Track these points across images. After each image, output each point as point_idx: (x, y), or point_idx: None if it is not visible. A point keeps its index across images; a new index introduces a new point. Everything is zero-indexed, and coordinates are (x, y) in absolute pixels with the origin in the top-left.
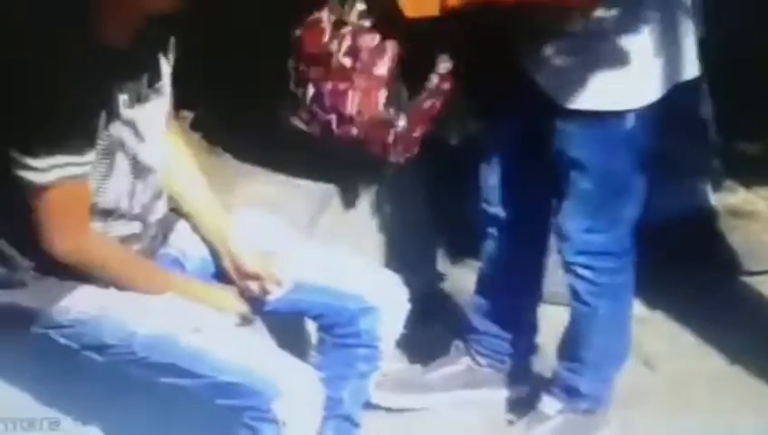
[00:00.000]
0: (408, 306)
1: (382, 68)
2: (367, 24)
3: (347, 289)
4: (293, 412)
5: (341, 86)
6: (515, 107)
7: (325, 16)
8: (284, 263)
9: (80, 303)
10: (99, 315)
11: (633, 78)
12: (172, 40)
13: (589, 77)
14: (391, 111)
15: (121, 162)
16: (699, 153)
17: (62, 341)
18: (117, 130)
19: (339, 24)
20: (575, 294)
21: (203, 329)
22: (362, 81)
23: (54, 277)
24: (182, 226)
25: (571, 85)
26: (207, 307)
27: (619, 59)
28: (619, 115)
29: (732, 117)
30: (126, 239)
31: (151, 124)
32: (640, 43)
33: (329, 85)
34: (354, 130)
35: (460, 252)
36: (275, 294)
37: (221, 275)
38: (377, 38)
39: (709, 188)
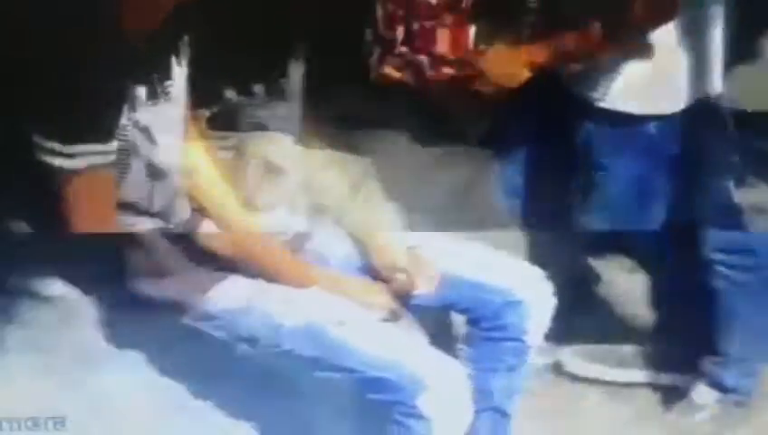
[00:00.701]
0: (553, 301)
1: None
2: None
3: (493, 283)
4: (439, 408)
5: (428, 24)
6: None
7: None
8: (432, 257)
9: (228, 294)
10: (245, 307)
11: (663, 84)
12: (185, 39)
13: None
14: (482, 47)
15: (136, 166)
16: (720, 149)
17: (215, 332)
18: (131, 132)
19: None
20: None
21: (348, 322)
22: (450, 17)
23: (202, 268)
24: (327, 223)
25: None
26: (354, 302)
27: (653, 64)
28: (647, 119)
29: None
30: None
31: (163, 129)
32: (674, 54)
33: (416, 24)
34: (446, 70)
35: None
36: (424, 290)
37: (367, 270)
38: None
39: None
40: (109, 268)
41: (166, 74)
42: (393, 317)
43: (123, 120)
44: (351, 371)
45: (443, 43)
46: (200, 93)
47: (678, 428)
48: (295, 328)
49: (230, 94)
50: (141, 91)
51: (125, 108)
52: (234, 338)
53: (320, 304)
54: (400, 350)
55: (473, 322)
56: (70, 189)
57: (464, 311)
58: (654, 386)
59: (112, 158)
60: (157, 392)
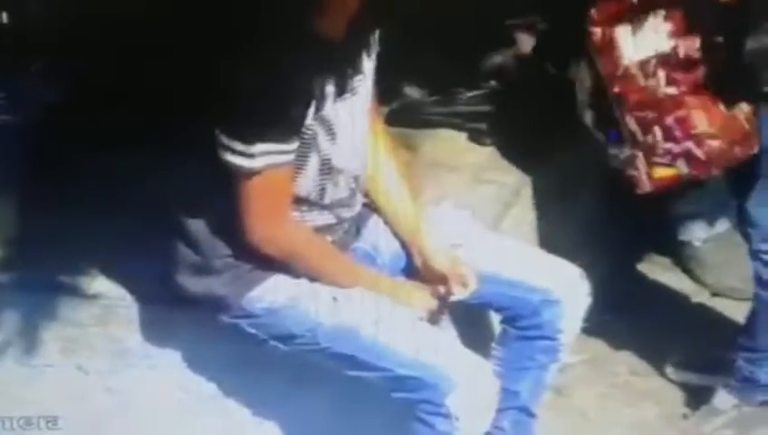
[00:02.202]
0: (588, 300)
1: (700, 77)
2: (664, 47)
3: (532, 282)
4: (467, 407)
5: (681, 113)
6: None
7: (625, 62)
8: (471, 260)
9: (271, 292)
10: (288, 305)
11: None
12: (377, 34)
13: None
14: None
15: (313, 161)
16: None
17: (251, 330)
18: (313, 128)
19: (644, 62)
20: (761, 282)
21: (383, 321)
22: (693, 98)
23: (248, 266)
24: (375, 220)
25: None
26: (395, 301)
27: None
28: None
29: None
30: (319, 230)
31: (346, 125)
32: None
33: (670, 119)
34: (714, 143)
35: (645, 249)
36: (460, 296)
37: (411, 271)
38: (681, 57)
39: None
40: (151, 265)
41: (358, 69)
42: (432, 319)
43: (309, 120)
44: (383, 369)
45: (702, 122)
46: (383, 89)
47: (700, 431)
48: (333, 327)
49: (411, 91)
50: (331, 89)
51: (312, 106)
52: (270, 336)
53: (359, 302)
54: (432, 349)
55: (509, 320)
56: (248, 187)
57: (501, 309)
58: (682, 386)
59: (292, 156)
60: (187, 391)
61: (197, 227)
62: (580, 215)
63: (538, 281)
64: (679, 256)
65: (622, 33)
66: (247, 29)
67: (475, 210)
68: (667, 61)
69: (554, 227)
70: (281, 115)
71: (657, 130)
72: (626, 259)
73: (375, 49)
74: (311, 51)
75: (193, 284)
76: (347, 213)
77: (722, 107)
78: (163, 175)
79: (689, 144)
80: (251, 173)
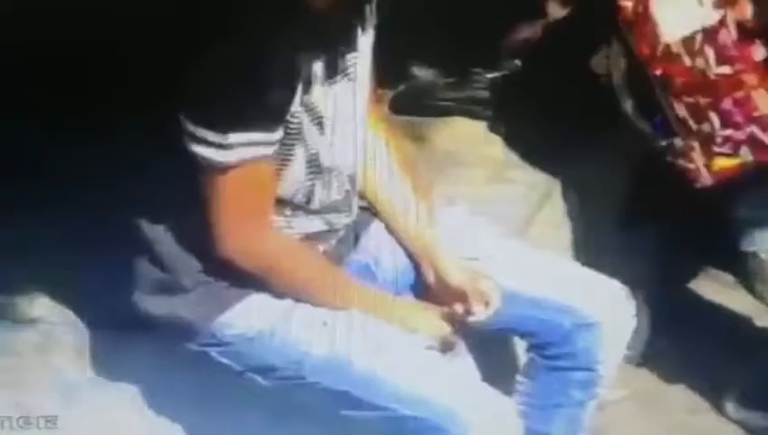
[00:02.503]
0: (633, 323)
1: (759, 52)
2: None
3: (563, 301)
4: None
5: (739, 95)
6: None
7: (665, 39)
8: (493, 275)
9: (247, 316)
10: (267, 332)
11: None
12: (373, 4)
13: None
14: None
15: (299, 156)
16: None
17: (224, 361)
18: (299, 116)
19: (687, 39)
20: None
21: (383, 350)
22: (752, 76)
23: (221, 282)
24: (376, 227)
25: None
26: (398, 326)
27: None
28: None
29: None
30: (308, 239)
31: (337, 114)
32: None
33: (728, 103)
34: None
35: (700, 261)
36: (480, 317)
37: (420, 288)
38: (732, 30)
39: None
40: (102, 282)
41: (350, 45)
42: (445, 347)
43: (295, 105)
44: (383, 409)
45: (765, 102)
46: (385, 69)
47: None
48: (323, 358)
49: (419, 72)
50: (318, 68)
51: (298, 89)
52: (246, 367)
53: (356, 328)
54: (443, 384)
55: (537, 348)
56: (220, 186)
57: (527, 334)
58: (744, 426)
59: (275, 148)
60: (150, 433)
61: (158, 235)
62: (622, 220)
63: (571, 300)
64: (741, 270)
65: (659, 6)
66: None
67: (495, 215)
68: (715, 36)
69: (591, 235)
70: (261, 97)
71: (714, 117)
72: (678, 274)
73: (372, 21)
74: (294, 21)
75: (153, 304)
76: (341, 219)
77: None
78: (115, 172)
79: (753, 128)
80: (224, 168)
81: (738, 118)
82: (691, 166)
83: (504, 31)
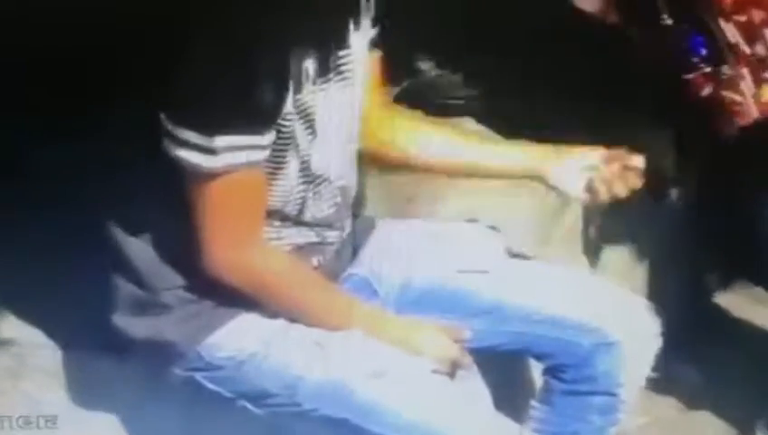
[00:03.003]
0: (658, 343)
1: None
2: None
3: (582, 320)
4: None
5: None
6: None
7: None
8: (503, 293)
9: (236, 337)
10: (259, 354)
11: None
12: None
13: None
14: None
15: (292, 163)
16: None
17: (212, 386)
18: (291, 121)
19: None
20: None
21: (385, 374)
22: None
23: (207, 300)
24: (376, 238)
25: None
26: (401, 347)
27: None
28: None
29: None
30: (301, 250)
31: (329, 118)
32: None
33: None
34: None
35: (732, 275)
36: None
37: (424, 305)
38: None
39: None
40: (78, 301)
41: (343, 42)
42: (453, 369)
43: (286, 107)
44: None
45: None
46: (387, 64)
47: None
48: (320, 383)
49: (425, 66)
50: (310, 65)
51: (289, 88)
52: (236, 394)
53: (355, 349)
54: (450, 411)
55: (553, 370)
56: (206, 194)
57: (543, 356)
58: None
59: (266, 154)
60: None
61: (139, 249)
62: (647, 229)
63: (591, 318)
64: None
65: None
66: None
67: (510, 227)
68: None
69: (614, 245)
70: (249, 96)
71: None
72: (705, 288)
73: (369, 13)
74: (282, 14)
75: (134, 325)
76: (333, 233)
77: None
78: (90, 180)
79: None
80: (210, 175)
81: None
82: (738, 98)
83: (520, 17)
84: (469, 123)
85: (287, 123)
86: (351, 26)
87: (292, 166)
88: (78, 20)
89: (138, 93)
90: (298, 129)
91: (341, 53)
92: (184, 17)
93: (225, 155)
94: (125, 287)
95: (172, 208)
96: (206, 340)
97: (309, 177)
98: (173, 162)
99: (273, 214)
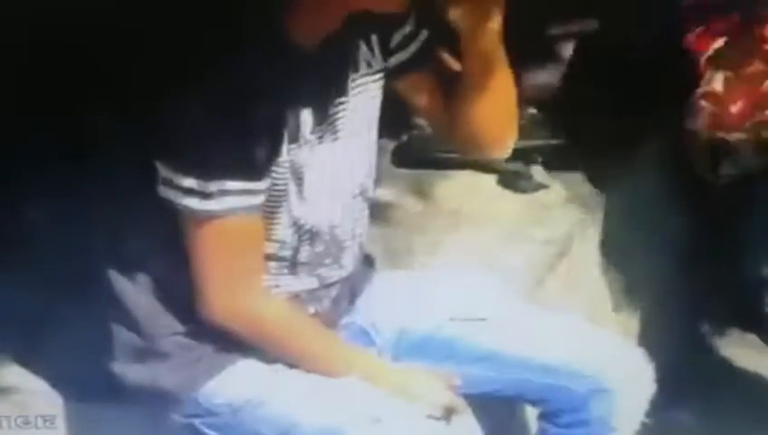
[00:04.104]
0: (652, 390)
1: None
2: None
3: (577, 366)
4: None
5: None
6: None
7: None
8: (499, 340)
9: (234, 383)
10: (257, 401)
11: None
12: (363, 47)
13: None
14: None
15: (284, 212)
16: None
17: (210, 432)
18: (285, 174)
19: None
20: None
21: (384, 420)
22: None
23: (205, 347)
24: (374, 286)
25: None
26: (398, 394)
27: None
28: None
29: None
30: (298, 299)
31: (324, 171)
32: None
33: None
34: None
35: (725, 322)
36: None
37: (420, 352)
38: None
39: None
40: (78, 348)
41: (340, 92)
42: (449, 416)
43: (282, 155)
44: None
45: None
46: (386, 118)
47: None
48: (316, 429)
49: (424, 121)
50: (306, 114)
51: (285, 135)
52: None
53: (351, 395)
54: None
55: (548, 415)
56: (202, 240)
57: (537, 401)
58: None
59: (262, 199)
60: None
61: (137, 296)
62: (643, 274)
63: (585, 364)
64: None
65: None
66: (199, 30)
67: (507, 274)
68: None
69: (609, 291)
70: (248, 145)
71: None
72: (702, 335)
73: (377, 64)
74: (280, 61)
75: (133, 372)
76: (333, 273)
77: None
78: (89, 228)
79: None
80: (208, 220)
81: None
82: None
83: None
84: (467, 176)
85: (281, 170)
86: (349, 70)
87: (285, 214)
88: (77, 68)
89: (135, 142)
90: (291, 183)
91: (338, 102)
92: (182, 66)
93: (222, 200)
94: (124, 335)
95: (170, 255)
96: (204, 386)
97: (301, 227)
98: (170, 209)
99: (268, 257)
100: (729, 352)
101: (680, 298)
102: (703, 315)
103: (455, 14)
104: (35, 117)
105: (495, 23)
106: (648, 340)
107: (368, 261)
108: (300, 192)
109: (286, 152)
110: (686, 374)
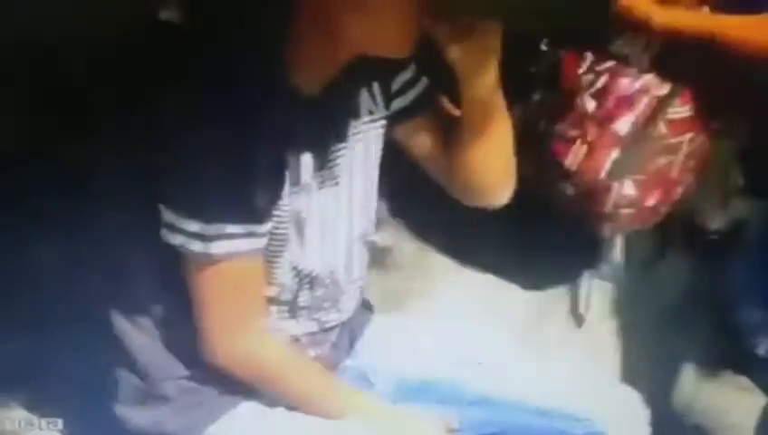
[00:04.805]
0: (647, 432)
1: (623, 125)
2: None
3: (570, 410)
4: None
5: (572, 133)
6: None
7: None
8: (493, 385)
9: (236, 427)
10: None
11: None
12: (365, 94)
13: None
14: (614, 177)
15: (284, 256)
16: None
17: None
18: (286, 220)
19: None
20: None
21: None
22: (595, 133)
23: (207, 390)
24: (373, 330)
25: None
26: None
27: None
28: None
29: None
30: (298, 342)
31: (324, 219)
32: None
33: (561, 127)
34: (569, 189)
35: (717, 367)
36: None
37: (418, 396)
38: (635, 86)
39: None
40: (81, 392)
41: (341, 138)
42: None
43: (284, 197)
44: None
45: (574, 159)
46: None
47: None
48: None
49: None
50: (308, 160)
51: (286, 181)
52: None
53: None
54: None
55: None
56: (204, 283)
57: None
58: None
59: (264, 242)
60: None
61: (139, 339)
62: (638, 318)
63: (579, 409)
64: (759, 375)
65: None
66: (200, 73)
67: (500, 318)
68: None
69: (606, 335)
70: (250, 189)
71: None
72: (692, 378)
73: (379, 111)
74: (281, 106)
75: (136, 416)
76: (332, 317)
77: (609, 162)
78: (90, 267)
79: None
80: (210, 263)
81: (553, 148)
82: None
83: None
84: None
85: (282, 215)
86: (351, 123)
87: (285, 258)
88: (80, 111)
89: (138, 185)
90: (290, 223)
91: (340, 145)
92: (184, 108)
93: (223, 243)
94: (126, 378)
95: (172, 299)
96: (207, 430)
97: (301, 271)
98: (172, 252)
99: (269, 301)
100: (722, 394)
101: (675, 341)
102: (697, 358)
103: (454, 54)
104: (37, 160)
105: (492, 66)
106: (642, 383)
107: (366, 305)
108: (300, 237)
109: (287, 195)
110: (679, 418)
